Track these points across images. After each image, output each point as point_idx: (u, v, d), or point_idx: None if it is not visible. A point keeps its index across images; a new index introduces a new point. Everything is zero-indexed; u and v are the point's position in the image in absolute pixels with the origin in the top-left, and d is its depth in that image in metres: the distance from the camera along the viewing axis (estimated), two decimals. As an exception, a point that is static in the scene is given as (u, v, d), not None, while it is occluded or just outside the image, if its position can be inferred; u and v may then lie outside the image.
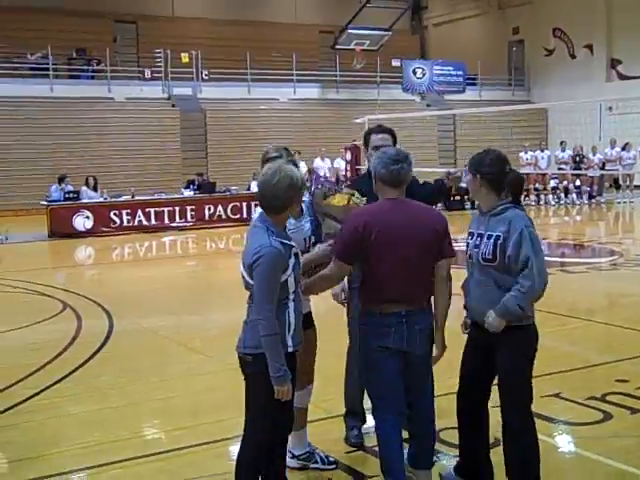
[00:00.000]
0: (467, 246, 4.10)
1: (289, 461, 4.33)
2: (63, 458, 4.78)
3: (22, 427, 5.35)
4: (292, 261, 3.68)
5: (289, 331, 3.70)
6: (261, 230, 3.69)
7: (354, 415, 4.92)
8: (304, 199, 4.13)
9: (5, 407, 5.69)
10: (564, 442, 4.94)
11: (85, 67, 26.82)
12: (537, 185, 24.02)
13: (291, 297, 3.71)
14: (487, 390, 4.16)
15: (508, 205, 3.97)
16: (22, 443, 5.05)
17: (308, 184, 4.09)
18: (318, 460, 4.48)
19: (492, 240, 3.92)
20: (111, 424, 5.34)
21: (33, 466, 4.66)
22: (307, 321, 4.22)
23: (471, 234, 4.09)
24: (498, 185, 3.98)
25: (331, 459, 4.53)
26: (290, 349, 3.71)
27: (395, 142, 4.92)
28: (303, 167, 20.93)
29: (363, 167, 20.43)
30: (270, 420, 3.72)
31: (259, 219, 3.78)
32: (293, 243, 3.76)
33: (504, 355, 3.96)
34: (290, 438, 4.21)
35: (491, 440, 4.26)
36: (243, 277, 3.74)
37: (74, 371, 6.62)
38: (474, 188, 4.06)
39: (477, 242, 4.01)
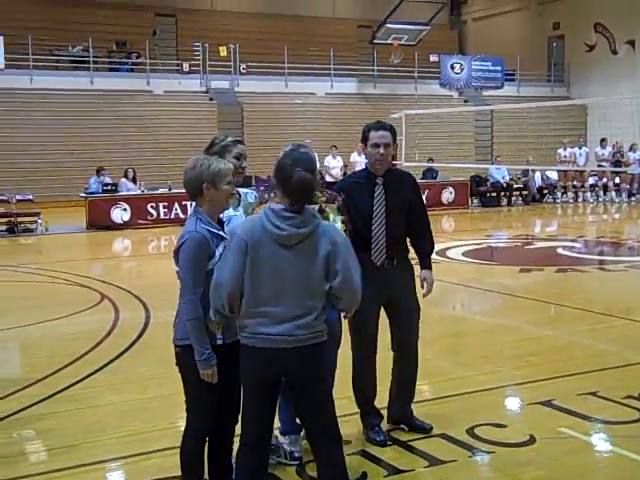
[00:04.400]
0: None
1: None
2: (102, 446, 4.85)
3: (62, 415, 5.44)
4: (219, 250, 3.68)
5: None
6: (191, 219, 3.76)
7: (371, 414, 4.90)
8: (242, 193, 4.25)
9: (45, 396, 5.79)
10: (600, 441, 4.89)
11: (125, 60, 27.07)
12: (575, 182, 23.76)
13: None
14: None
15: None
16: (61, 431, 5.13)
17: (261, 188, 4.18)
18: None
19: None
20: (149, 414, 5.42)
21: (72, 454, 4.74)
22: None
23: None
24: (280, 188, 3.58)
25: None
26: (219, 341, 3.69)
27: (395, 139, 4.78)
28: (339, 162, 20.94)
29: (397, 162, 20.33)
30: (205, 410, 3.75)
31: (192, 209, 3.86)
32: (223, 233, 3.76)
33: None
34: None
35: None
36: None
37: (112, 361, 6.72)
38: None
39: None
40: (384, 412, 4.97)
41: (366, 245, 4.66)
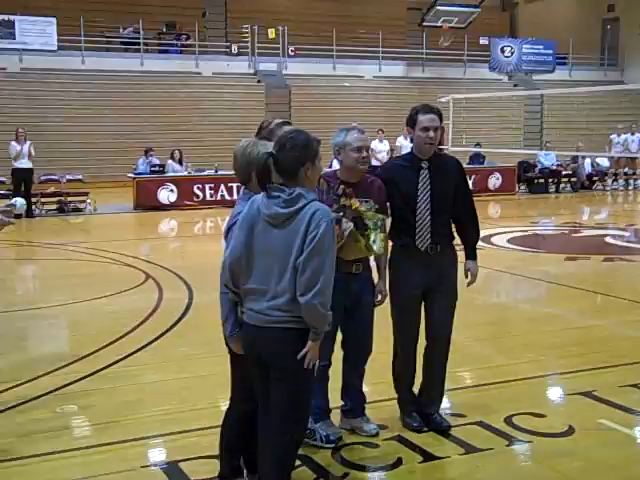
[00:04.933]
0: None
1: None
2: (141, 424, 4.93)
3: (104, 392, 5.55)
4: None
5: None
6: (243, 201, 3.78)
7: (408, 400, 4.89)
8: None
9: (89, 372, 5.90)
10: (641, 434, 4.83)
11: (174, 42, 27.25)
12: (627, 169, 23.30)
13: None
14: None
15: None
16: (103, 408, 5.23)
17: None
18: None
19: None
20: (188, 393, 5.48)
21: (112, 430, 4.83)
22: None
23: None
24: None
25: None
26: None
27: (441, 123, 4.71)
28: (385, 146, 20.78)
29: (444, 147, 20.15)
30: (250, 390, 3.73)
31: (243, 191, 3.92)
32: None
33: None
34: None
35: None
36: None
37: (154, 341, 6.81)
38: None
39: None
40: None
41: (410, 230, 4.61)
